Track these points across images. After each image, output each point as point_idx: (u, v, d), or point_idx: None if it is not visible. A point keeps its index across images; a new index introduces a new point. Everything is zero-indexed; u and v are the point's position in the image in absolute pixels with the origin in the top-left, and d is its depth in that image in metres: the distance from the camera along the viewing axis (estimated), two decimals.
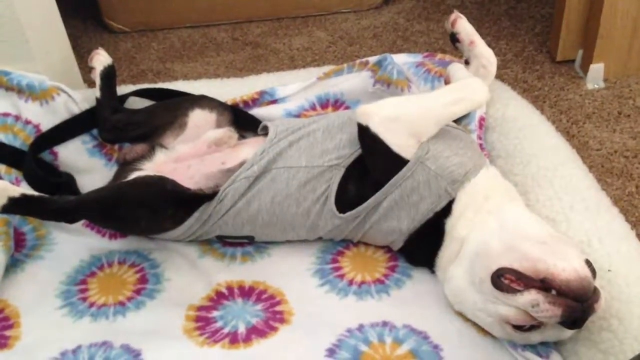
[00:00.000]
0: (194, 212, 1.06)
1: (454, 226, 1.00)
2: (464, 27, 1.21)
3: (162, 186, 1.03)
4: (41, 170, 1.16)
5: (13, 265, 1.08)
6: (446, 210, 1.00)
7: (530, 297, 0.87)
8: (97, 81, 1.23)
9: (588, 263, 0.90)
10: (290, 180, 1.05)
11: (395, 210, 1.02)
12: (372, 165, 1.03)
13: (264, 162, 1.06)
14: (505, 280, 0.90)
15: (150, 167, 1.13)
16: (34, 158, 1.16)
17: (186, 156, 1.14)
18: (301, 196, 1.05)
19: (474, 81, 1.07)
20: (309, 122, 1.11)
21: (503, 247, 0.93)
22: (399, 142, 1.00)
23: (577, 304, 0.86)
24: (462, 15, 1.22)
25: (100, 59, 1.26)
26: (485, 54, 1.19)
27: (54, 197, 1.01)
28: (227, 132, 1.16)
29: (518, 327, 0.91)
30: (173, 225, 1.07)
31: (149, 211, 1.04)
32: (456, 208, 1.00)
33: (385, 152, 1.00)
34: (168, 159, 1.15)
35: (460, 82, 1.11)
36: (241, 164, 1.08)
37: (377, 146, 1.01)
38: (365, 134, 1.01)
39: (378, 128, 1.00)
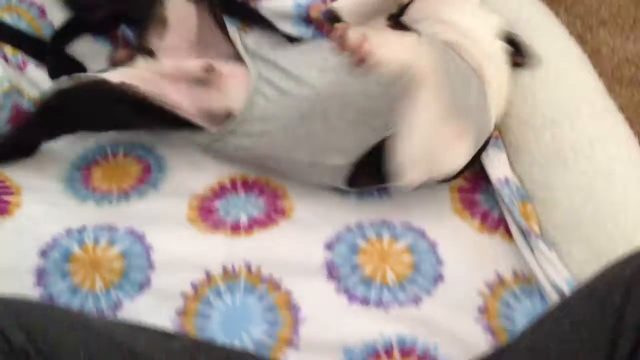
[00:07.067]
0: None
1: None
2: None
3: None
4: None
5: None
6: None
7: None
8: None
9: None
10: (291, 169, 1.02)
11: None
12: None
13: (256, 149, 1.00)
14: None
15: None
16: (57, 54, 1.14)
17: (172, 75, 1.02)
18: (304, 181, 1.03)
19: None
20: (295, 81, 0.96)
21: None
22: None
23: None
24: None
25: None
26: None
27: None
28: (204, 72, 1.01)
29: None
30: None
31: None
32: None
33: None
34: (154, 72, 1.02)
35: None
36: (226, 112, 0.99)
37: None
38: None
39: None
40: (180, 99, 1.00)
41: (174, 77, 1.02)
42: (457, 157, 0.94)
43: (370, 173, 0.98)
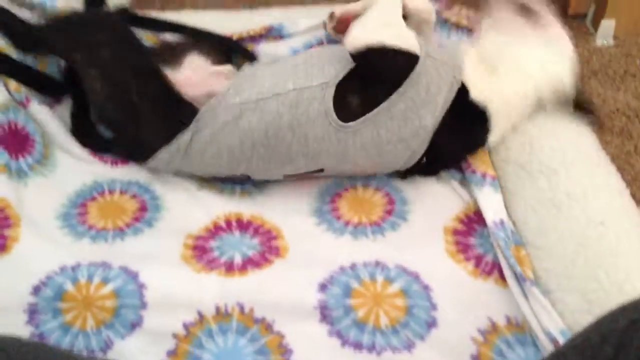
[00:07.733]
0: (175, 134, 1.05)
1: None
2: None
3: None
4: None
5: (18, 174, 1.06)
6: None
7: None
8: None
9: None
10: (280, 106, 1.03)
11: (414, 110, 1.03)
12: (382, 75, 1.03)
13: (247, 92, 1.05)
14: None
15: None
16: None
17: (184, 78, 1.12)
18: (295, 120, 1.03)
19: None
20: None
21: None
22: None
23: None
24: None
25: None
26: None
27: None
28: (229, 68, 1.15)
29: None
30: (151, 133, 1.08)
31: None
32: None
33: (395, 53, 1.02)
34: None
35: None
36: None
37: (385, 52, 1.01)
38: (366, 53, 1.02)
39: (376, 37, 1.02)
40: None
41: (187, 77, 1.11)
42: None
43: (353, 99, 1.03)
